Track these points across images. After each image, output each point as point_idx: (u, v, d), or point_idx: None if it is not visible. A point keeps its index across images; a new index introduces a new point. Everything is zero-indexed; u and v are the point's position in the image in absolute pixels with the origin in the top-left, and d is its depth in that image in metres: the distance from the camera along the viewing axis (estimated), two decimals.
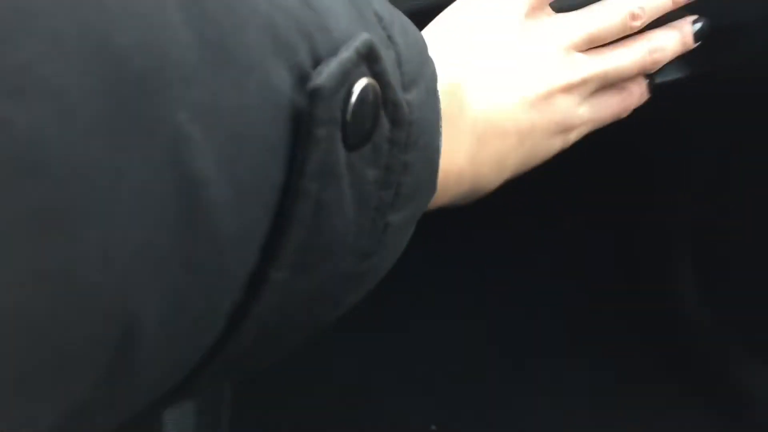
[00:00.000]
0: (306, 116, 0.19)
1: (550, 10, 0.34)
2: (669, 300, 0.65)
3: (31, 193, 0.13)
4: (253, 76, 0.18)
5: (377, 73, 0.21)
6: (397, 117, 0.22)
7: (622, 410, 0.59)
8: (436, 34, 0.32)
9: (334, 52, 0.20)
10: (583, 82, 0.33)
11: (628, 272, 0.69)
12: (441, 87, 0.26)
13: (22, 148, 0.13)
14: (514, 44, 0.32)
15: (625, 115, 0.36)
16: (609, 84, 0.35)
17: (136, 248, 0.16)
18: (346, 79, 0.20)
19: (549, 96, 0.32)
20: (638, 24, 0.34)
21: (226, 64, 0.17)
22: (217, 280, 0.18)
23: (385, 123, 0.21)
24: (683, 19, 0.36)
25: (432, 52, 0.29)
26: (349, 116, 0.20)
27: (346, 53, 0.20)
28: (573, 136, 0.34)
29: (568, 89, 0.33)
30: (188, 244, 0.17)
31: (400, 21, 0.25)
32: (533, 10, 0.34)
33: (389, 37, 0.23)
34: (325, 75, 0.19)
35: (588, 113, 0.34)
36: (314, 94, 0.19)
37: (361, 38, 0.21)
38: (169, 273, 0.16)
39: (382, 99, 0.21)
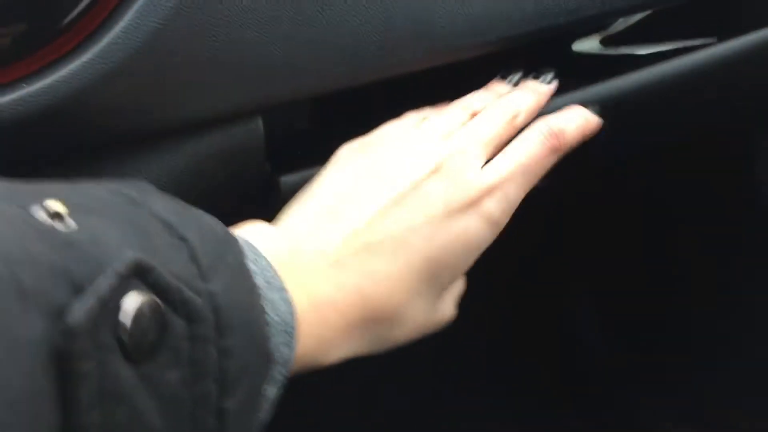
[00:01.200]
0: (66, 354, 0.19)
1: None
2: (566, 324, 0.67)
3: None
4: None
5: (152, 284, 0.21)
6: (193, 313, 0.22)
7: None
8: (306, 203, 0.32)
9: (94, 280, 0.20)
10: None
11: (529, 294, 0.70)
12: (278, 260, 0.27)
13: None
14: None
15: (556, 155, 0.34)
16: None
17: None
18: (108, 305, 0.20)
19: (448, 216, 0.31)
20: (521, 120, 0.35)
21: None
22: None
23: (178, 324, 0.22)
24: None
25: (287, 227, 0.30)
26: (126, 336, 0.20)
27: (104, 280, 0.20)
28: (491, 204, 0.32)
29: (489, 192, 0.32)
30: None
31: (193, 219, 0.25)
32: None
33: (181, 238, 0.23)
34: (77, 312, 0.19)
35: (498, 172, 0.33)
36: (67, 334, 0.19)
37: (123, 258, 0.21)
38: None
39: (165, 304, 0.21)
